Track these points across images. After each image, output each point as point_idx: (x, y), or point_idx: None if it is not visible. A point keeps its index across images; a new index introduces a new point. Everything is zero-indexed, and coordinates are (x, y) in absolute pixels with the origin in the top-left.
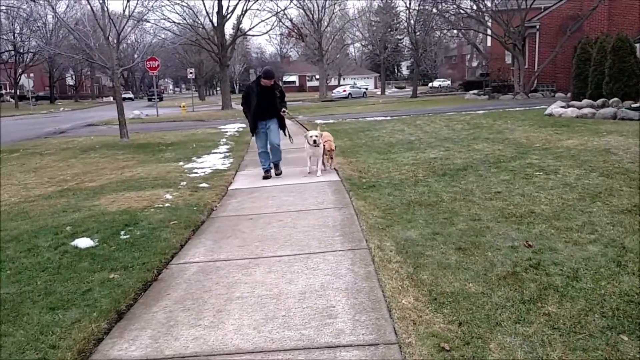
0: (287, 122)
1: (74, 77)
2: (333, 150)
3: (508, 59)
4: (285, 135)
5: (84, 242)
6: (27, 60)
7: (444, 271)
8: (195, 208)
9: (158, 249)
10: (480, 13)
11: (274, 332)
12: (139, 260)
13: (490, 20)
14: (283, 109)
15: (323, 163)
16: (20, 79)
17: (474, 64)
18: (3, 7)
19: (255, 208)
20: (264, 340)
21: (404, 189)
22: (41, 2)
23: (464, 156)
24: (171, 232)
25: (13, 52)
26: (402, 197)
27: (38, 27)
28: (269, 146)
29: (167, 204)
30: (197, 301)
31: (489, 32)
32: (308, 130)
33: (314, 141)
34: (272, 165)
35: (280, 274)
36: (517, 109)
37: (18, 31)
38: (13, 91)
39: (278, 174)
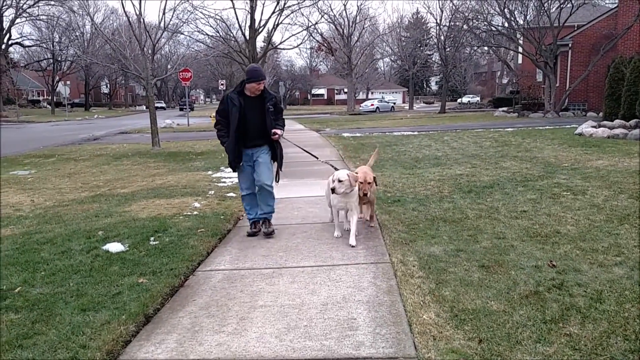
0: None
1: (108, 85)
2: (369, 184)
3: (539, 77)
4: (277, 175)
5: (115, 247)
6: (65, 68)
7: (466, 288)
8: (222, 217)
9: (185, 255)
10: (512, 30)
11: (295, 341)
12: (167, 266)
13: (521, 38)
14: (275, 131)
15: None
16: (57, 86)
17: (504, 80)
18: (43, 17)
19: (281, 219)
20: (285, 349)
21: (428, 204)
22: (80, 12)
23: (491, 174)
24: (198, 239)
25: (51, 60)
26: (427, 213)
27: (76, 36)
28: (256, 187)
29: (195, 212)
30: (222, 308)
31: (520, 49)
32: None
33: (332, 189)
34: (258, 216)
35: (303, 285)
36: (547, 127)
37: (57, 40)
38: (50, 97)
39: (268, 233)
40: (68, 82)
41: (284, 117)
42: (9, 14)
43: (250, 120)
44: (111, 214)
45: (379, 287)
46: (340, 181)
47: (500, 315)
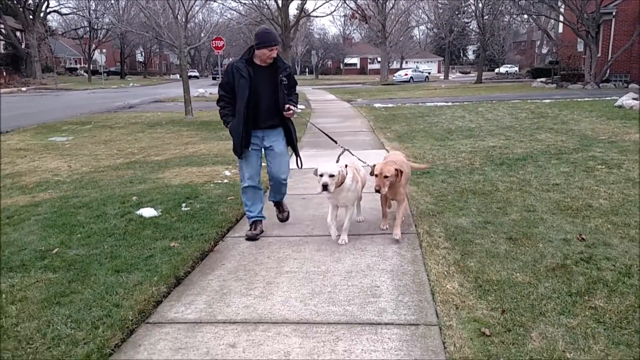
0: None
1: (143, 54)
2: (386, 178)
3: (580, 47)
4: (297, 159)
5: (148, 212)
6: (101, 36)
7: (492, 260)
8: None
9: (215, 221)
10: None
11: (319, 306)
12: (197, 231)
13: (562, 6)
14: (289, 106)
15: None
16: (93, 54)
17: (544, 50)
18: None
19: (310, 188)
20: (309, 312)
21: (458, 176)
22: None
23: (525, 146)
24: (228, 206)
25: (88, 29)
26: (456, 185)
27: (111, 4)
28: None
29: (225, 180)
30: (249, 272)
31: (561, 18)
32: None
33: (324, 185)
34: (270, 199)
35: (328, 253)
36: (586, 99)
37: (93, 8)
38: (87, 65)
39: (284, 219)
40: (104, 51)
41: (297, 91)
42: None
43: (262, 95)
44: (145, 181)
45: (403, 256)
46: (331, 176)
47: (525, 286)
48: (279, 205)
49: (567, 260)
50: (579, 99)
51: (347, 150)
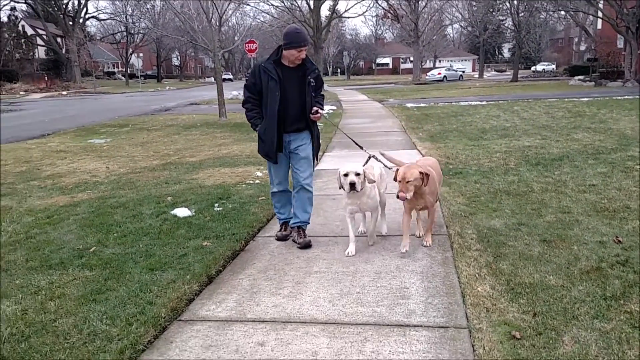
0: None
1: (179, 57)
2: (409, 182)
3: (620, 43)
4: (317, 158)
5: (182, 212)
6: (137, 40)
7: (524, 262)
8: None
9: (247, 221)
10: None
11: (347, 306)
12: (229, 231)
13: (601, 1)
14: (316, 109)
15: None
16: (130, 58)
17: (582, 47)
18: None
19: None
20: (337, 313)
21: (492, 177)
22: None
23: (561, 146)
24: (259, 207)
25: (125, 33)
26: (490, 185)
27: (147, 9)
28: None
29: (257, 181)
30: (279, 272)
31: (599, 14)
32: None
33: (351, 184)
34: (292, 223)
35: (357, 253)
36: (626, 97)
37: (130, 13)
38: (124, 69)
39: (303, 245)
40: (141, 55)
41: (323, 93)
42: None
43: (290, 98)
44: (180, 181)
45: (433, 258)
46: (357, 174)
47: (558, 290)
48: (300, 229)
49: (602, 263)
50: (618, 97)
51: (374, 157)
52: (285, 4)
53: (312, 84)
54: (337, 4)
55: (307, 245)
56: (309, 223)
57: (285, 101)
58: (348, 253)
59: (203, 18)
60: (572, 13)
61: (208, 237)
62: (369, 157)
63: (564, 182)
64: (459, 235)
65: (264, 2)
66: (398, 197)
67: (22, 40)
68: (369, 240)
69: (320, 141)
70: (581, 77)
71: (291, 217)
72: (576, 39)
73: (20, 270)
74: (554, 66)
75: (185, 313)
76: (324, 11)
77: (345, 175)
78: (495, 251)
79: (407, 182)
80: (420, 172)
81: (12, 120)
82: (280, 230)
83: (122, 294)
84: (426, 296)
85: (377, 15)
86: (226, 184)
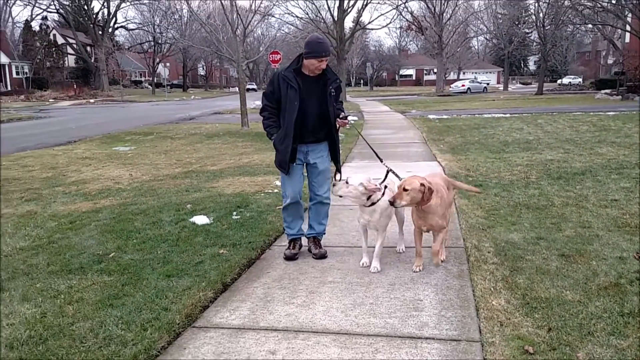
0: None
1: (204, 67)
2: (406, 191)
3: None
4: (336, 174)
5: (200, 220)
6: (164, 50)
7: (542, 276)
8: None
9: (263, 230)
10: (619, 6)
11: (360, 317)
12: (246, 239)
13: (630, 14)
14: (342, 114)
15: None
16: (157, 68)
17: (610, 61)
18: (146, 1)
19: None
20: (349, 323)
21: (512, 190)
22: None
23: (584, 160)
24: (276, 216)
25: (152, 43)
26: (510, 199)
27: (175, 19)
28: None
29: (275, 190)
30: (293, 281)
31: (627, 27)
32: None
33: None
34: (307, 234)
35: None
36: None
37: (157, 23)
38: (151, 78)
39: (319, 256)
40: (167, 64)
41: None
42: None
43: (309, 108)
44: (200, 189)
45: (449, 270)
46: (347, 183)
47: (574, 305)
48: (316, 240)
49: (621, 279)
50: None
51: (391, 170)
52: (310, 16)
53: (332, 94)
54: (361, 16)
55: (322, 256)
56: (324, 233)
57: (303, 111)
58: (363, 264)
59: (228, 29)
60: (599, 26)
61: (225, 245)
62: (387, 172)
63: (585, 197)
64: (475, 248)
65: (288, 14)
66: (390, 202)
67: (53, 49)
68: (373, 262)
69: (358, 141)
70: (608, 90)
71: (301, 234)
72: (604, 52)
73: (41, 274)
74: (580, 79)
75: (200, 320)
76: (348, 23)
77: (345, 182)
78: (512, 265)
79: (404, 189)
80: (422, 184)
81: (40, 127)
82: (288, 248)
83: (138, 299)
84: (440, 309)
85: (400, 27)
86: (245, 192)
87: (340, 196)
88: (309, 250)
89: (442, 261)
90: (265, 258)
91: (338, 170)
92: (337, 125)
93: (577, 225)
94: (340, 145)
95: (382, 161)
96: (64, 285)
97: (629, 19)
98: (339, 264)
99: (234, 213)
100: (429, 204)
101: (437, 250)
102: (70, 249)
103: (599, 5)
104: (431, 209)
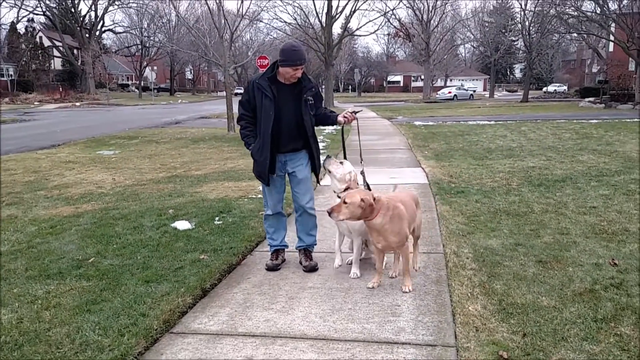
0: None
1: (192, 71)
2: (345, 204)
3: (631, 66)
4: (318, 179)
5: (182, 225)
6: (152, 54)
7: (518, 282)
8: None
9: (245, 236)
10: (603, 16)
11: (338, 322)
12: (227, 244)
13: (613, 24)
14: (353, 111)
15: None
16: (144, 71)
17: (594, 69)
18: (134, 4)
19: None
20: (327, 329)
21: (494, 196)
22: (166, 0)
23: (565, 167)
24: (259, 221)
25: (140, 46)
26: (490, 205)
27: (163, 23)
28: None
29: (259, 195)
30: (273, 287)
31: (611, 37)
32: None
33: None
34: (297, 246)
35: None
36: (635, 119)
37: (145, 27)
38: (138, 82)
39: (309, 268)
40: (155, 68)
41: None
42: (102, 2)
43: (285, 117)
44: (183, 194)
45: (427, 276)
46: (341, 163)
47: (549, 311)
48: (306, 252)
49: (596, 285)
50: (628, 120)
51: (363, 174)
52: (298, 21)
53: (310, 101)
54: (350, 22)
55: (313, 269)
56: (315, 244)
57: (279, 120)
58: (336, 265)
59: (215, 34)
60: (584, 35)
61: (206, 251)
62: (363, 174)
63: (564, 204)
64: (454, 254)
65: (277, 19)
66: (328, 213)
67: (39, 52)
68: (352, 267)
69: (345, 148)
70: (591, 98)
71: (284, 245)
72: (588, 61)
73: (19, 279)
74: (565, 87)
75: (178, 325)
76: (336, 29)
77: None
78: (489, 271)
79: (344, 202)
80: (362, 200)
81: (24, 130)
82: (271, 259)
83: (116, 305)
84: (417, 314)
85: (388, 34)
86: (228, 197)
87: (329, 171)
88: (300, 263)
89: (409, 290)
90: (246, 264)
91: (317, 180)
92: (344, 121)
93: (556, 232)
94: (320, 153)
95: (362, 161)
96: (41, 290)
97: (612, 29)
98: (320, 269)
99: (217, 218)
100: (376, 221)
101: (407, 272)
102: (49, 253)
103: (583, 15)
104: (377, 226)
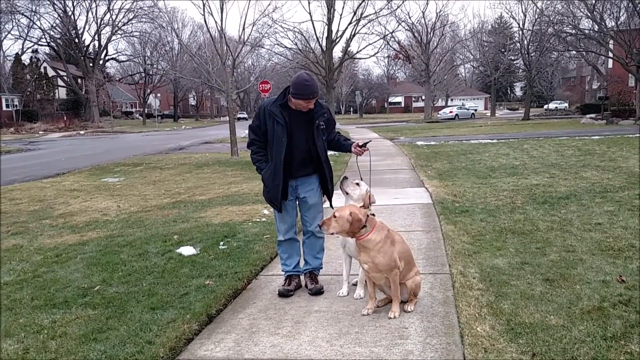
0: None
1: (195, 97)
2: (335, 218)
3: (631, 82)
4: (331, 203)
5: (187, 250)
6: (155, 81)
7: (526, 302)
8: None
9: (250, 260)
10: (601, 34)
11: (345, 346)
12: (232, 269)
13: (611, 41)
14: (361, 142)
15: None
16: (148, 99)
17: (594, 86)
18: (136, 33)
19: None
20: (334, 353)
21: (498, 215)
22: (168, 28)
23: (569, 184)
24: (263, 245)
25: (143, 74)
26: (495, 224)
27: (165, 51)
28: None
29: (263, 219)
30: (279, 311)
31: (610, 54)
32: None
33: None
34: (302, 270)
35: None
36: (637, 135)
37: (148, 55)
38: (142, 109)
39: (314, 292)
40: (158, 95)
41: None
42: (106, 31)
43: (297, 143)
44: (188, 220)
45: (434, 297)
46: (357, 185)
47: (558, 330)
48: (312, 275)
49: (604, 302)
50: (630, 135)
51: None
52: (299, 46)
53: (322, 127)
54: (350, 45)
55: (318, 292)
56: (321, 267)
57: (291, 146)
58: (340, 293)
59: (218, 60)
60: (583, 53)
61: (211, 276)
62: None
63: (569, 221)
64: (461, 274)
65: (278, 44)
66: (319, 226)
67: (44, 82)
68: (357, 288)
69: (346, 169)
70: (593, 115)
71: (297, 271)
72: (588, 78)
73: (25, 308)
74: (566, 104)
75: (184, 353)
76: (337, 52)
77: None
78: (497, 290)
79: (334, 216)
80: (351, 214)
81: (29, 159)
82: (284, 285)
83: (122, 333)
84: (425, 336)
85: (388, 56)
86: (233, 222)
87: (347, 193)
88: (305, 286)
89: (395, 316)
90: (251, 288)
91: (330, 202)
92: (357, 154)
93: (562, 250)
94: (333, 176)
95: (361, 179)
96: (47, 320)
97: (610, 46)
98: (325, 292)
99: (221, 243)
100: (367, 238)
101: (395, 300)
102: (55, 282)
103: (581, 33)
104: (369, 244)
